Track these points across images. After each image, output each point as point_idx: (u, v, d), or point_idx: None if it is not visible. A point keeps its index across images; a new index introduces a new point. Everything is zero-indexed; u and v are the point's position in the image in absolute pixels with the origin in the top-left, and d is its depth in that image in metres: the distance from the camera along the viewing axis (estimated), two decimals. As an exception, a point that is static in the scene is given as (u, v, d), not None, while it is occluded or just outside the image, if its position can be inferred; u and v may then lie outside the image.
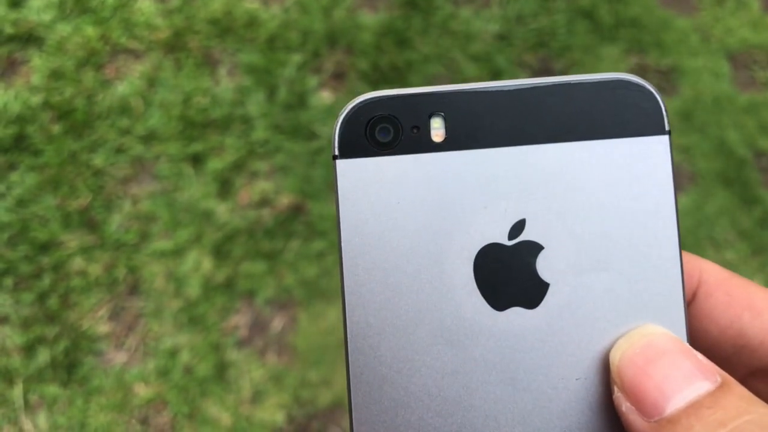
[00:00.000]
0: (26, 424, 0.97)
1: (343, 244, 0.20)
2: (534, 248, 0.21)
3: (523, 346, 0.20)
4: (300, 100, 1.25)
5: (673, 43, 1.43)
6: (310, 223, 1.13)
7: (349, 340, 0.21)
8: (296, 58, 1.29)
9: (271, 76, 1.27)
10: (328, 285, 1.09)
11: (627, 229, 0.20)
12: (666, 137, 0.21)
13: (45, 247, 1.07)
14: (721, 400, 0.16)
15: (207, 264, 1.08)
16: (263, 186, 1.16)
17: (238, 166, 1.17)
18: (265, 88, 1.25)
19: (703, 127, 1.32)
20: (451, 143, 0.21)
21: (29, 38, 1.26)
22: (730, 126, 1.33)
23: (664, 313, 0.20)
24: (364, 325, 0.20)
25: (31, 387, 0.99)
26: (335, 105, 1.25)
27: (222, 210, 1.13)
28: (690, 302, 0.20)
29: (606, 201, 0.20)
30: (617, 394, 0.18)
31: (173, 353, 1.02)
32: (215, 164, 1.16)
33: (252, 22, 1.33)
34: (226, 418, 0.99)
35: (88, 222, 1.10)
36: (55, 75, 1.22)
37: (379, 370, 0.20)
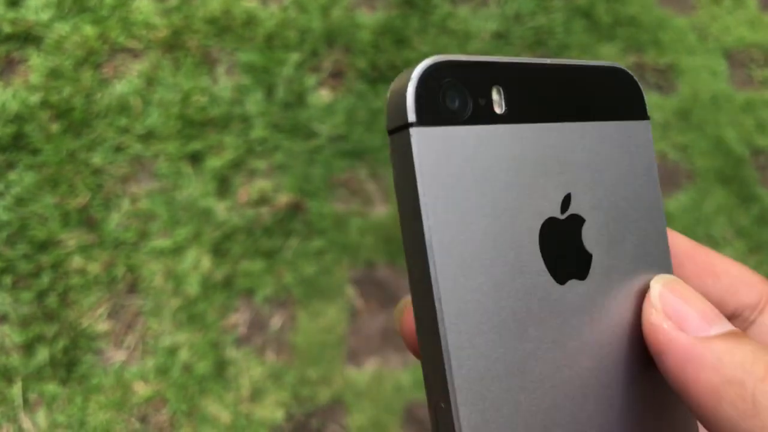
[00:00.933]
0: (25, 422, 0.97)
1: (427, 223, 0.18)
2: (578, 221, 0.21)
3: (586, 317, 0.21)
4: (299, 99, 1.25)
5: (670, 41, 1.43)
6: (309, 222, 1.13)
7: (447, 332, 0.18)
8: (295, 56, 1.29)
9: (269, 75, 1.27)
10: (327, 283, 1.09)
11: (634, 200, 0.22)
12: (649, 122, 0.23)
13: (44, 246, 1.07)
14: (744, 338, 0.18)
15: (206, 262, 1.08)
16: (262, 184, 1.16)
17: (236, 165, 1.17)
18: (263, 86, 1.25)
19: (700, 125, 1.33)
20: (509, 116, 0.20)
21: (27, 37, 1.26)
22: (728, 124, 1.33)
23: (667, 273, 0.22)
24: (461, 315, 0.18)
25: (30, 385, 0.99)
26: (334, 104, 1.25)
27: (221, 208, 1.13)
28: None
29: (618, 175, 0.22)
30: (656, 315, 0.20)
31: (172, 351, 1.02)
32: (214, 163, 1.16)
33: (250, 21, 1.33)
34: (225, 416, 0.99)
35: (87, 220, 1.10)
36: (54, 74, 1.22)
37: (480, 361, 0.19)
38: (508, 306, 0.19)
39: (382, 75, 1.29)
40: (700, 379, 0.18)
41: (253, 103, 1.23)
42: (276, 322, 1.06)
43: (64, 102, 1.20)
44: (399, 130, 0.18)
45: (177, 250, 1.09)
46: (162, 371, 1.01)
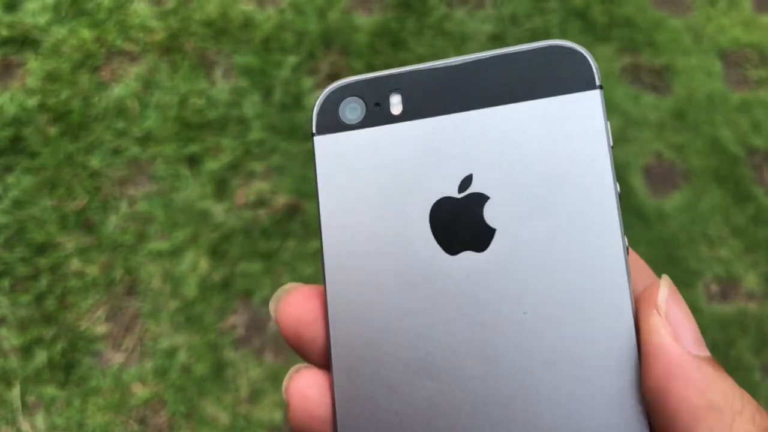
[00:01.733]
0: (24, 425, 0.97)
1: (321, 207, 0.23)
2: (481, 199, 0.23)
3: (475, 285, 0.22)
4: (295, 101, 1.25)
5: (665, 42, 1.44)
6: (306, 223, 1.13)
7: (327, 285, 0.24)
8: (291, 59, 1.30)
9: (266, 78, 1.27)
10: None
11: (566, 178, 0.22)
12: (597, 92, 0.23)
13: (42, 249, 1.07)
14: (723, 369, 0.19)
15: (204, 264, 1.09)
16: (259, 186, 1.16)
17: (234, 167, 1.17)
18: (260, 89, 1.26)
19: (696, 125, 1.33)
20: (407, 115, 0.24)
21: (25, 41, 1.26)
22: (723, 124, 1.34)
23: (604, 258, 0.21)
24: (341, 273, 0.23)
25: (28, 388, 0.99)
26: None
27: (218, 210, 1.13)
28: None
29: (545, 153, 0.22)
30: (657, 318, 0.19)
31: (171, 353, 1.02)
32: (211, 165, 1.17)
33: (247, 23, 1.33)
34: (223, 417, 0.99)
35: (84, 223, 1.10)
36: (51, 77, 1.23)
37: (352, 310, 0.23)
38: (389, 269, 0.23)
39: (378, 77, 1.30)
40: (684, 396, 0.18)
41: (251, 106, 1.23)
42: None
43: (62, 105, 1.20)
44: (312, 137, 0.24)
45: (175, 252, 1.09)
46: (160, 373, 1.01)
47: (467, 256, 0.22)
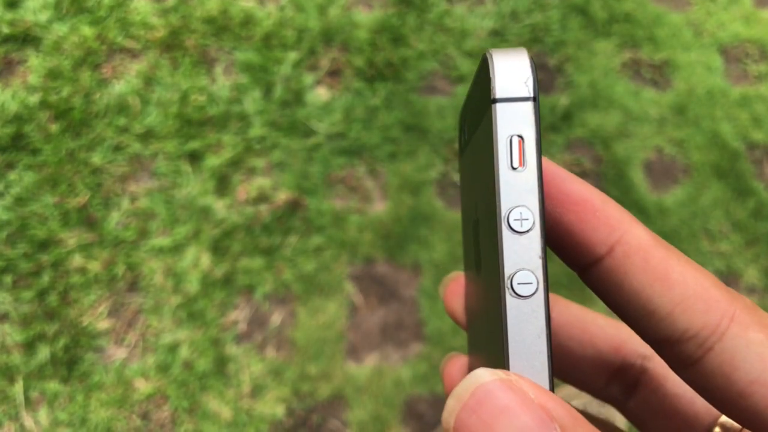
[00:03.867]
0: (27, 420, 0.97)
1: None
2: (478, 224, 0.21)
3: (481, 301, 0.21)
4: (296, 97, 1.25)
5: (666, 37, 1.44)
6: (307, 219, 1.14)
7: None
8: (292, 55, 1.30)
9: (267, 74, 1.28)
10: (326, 279, 1.10)
11: (489, 201, 0.19)
12: (494, 106, 0.18)
13: (44, 245, 1.08)
14: None
15: (205, 260, 1.09)
16: (261, 182, 1.16)
17: (235, 163, 1.18)
18: (261, 85, 1.26)
19: (696, 120, 1.33)
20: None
21: (26, 38, 1.27)
22: (724, 119, 1.34)
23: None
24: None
25: (31, 384, 0.99)
26: (332, 102, 1.26)
27: (220, 206, 1.13)
28: (604, 256, 0.18)
29: (484, 176, 0.19)
30: None
31: (173, 348, 1.03)
32: (213, 161, 1.17)
33: (248, 20, 1.33)
34: (226, 412, 0.99)
35: (86, 219, 1.11)
36: (53, 74, 1.23)
37: None
38: None
39: (379, 73, 1.30)
40: None
41: (252, 102, 1.24)
42: (276, 318, 1.07)
43: (63, 102, 1.20)
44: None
45: (177, 248, 1.09)
46: (163, 368, 1.01)
47: (477, 273, 0.22)
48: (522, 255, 0.17)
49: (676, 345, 0.18)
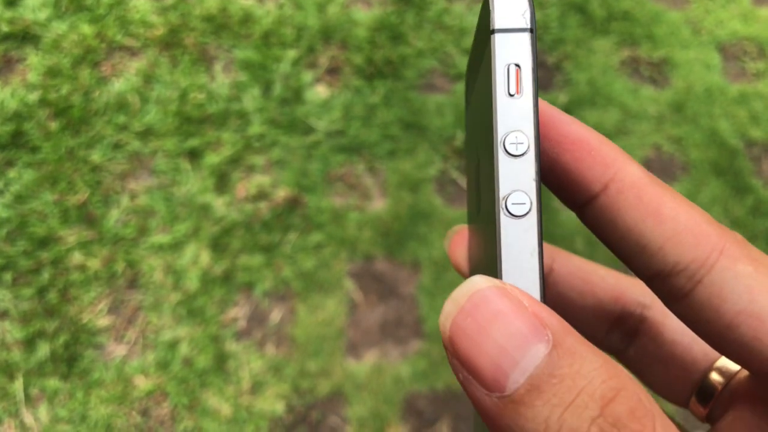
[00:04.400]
0: (27, 417, 0.97)
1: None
2: (479, 164, 0.22)
3: (480, 241, 0.22)
4: (295, 95, 1.26)
5: (664, 35, 1.45)
6: (307, 216, 1.14)
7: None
8: (291, 53, 1.30)
9: (266, 72, 1.28)
10: (325, 276, 1.10)
11: (487, 138, 0.19)
12: (493, 36, 0.19)
13: (44, 242, 1.08)
14: (557, 368, 0.15)
15: (205, 257, 1.09)
16: (260, 180, 1.16)
17: (234, 161, 1.18)
18: (260, 83, 1.26)
19: (695, 117, 1.34)
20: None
21: (25, 36, 1.27)
22: (722, 116, 1.34)
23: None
24: None
25: (31, 380, 1.00)
26: (331, 99, 1.26)
27: (219, 204, 1.14)
28: (599, 193, 0.19)
29: (483, 115, 0.20)
30: (452, 361, 0.16)
31: (173, 345, 1.03)
32: (212, 159, 1.17)
33: (247, 18, 1.34)
34: (226, 409, 0.99)
35: (86, 217, 1.11)
36: (52, 72, 1.23)
37: None
38: None
39: (378, 71, 1.30)
40: None
41: (251, 100, 1.24)
42: (275, 315, 1.07)
43: (63, 100, 1.20)
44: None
45: (176, 246, 1.10)
46: (162, 365, 1.02)
47: (478, 214, 0.23)
48: (517, 177, 0.17)
49: (667, 279, 0.18)
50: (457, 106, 1.28)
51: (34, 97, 1.20)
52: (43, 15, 1.28)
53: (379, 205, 1.17)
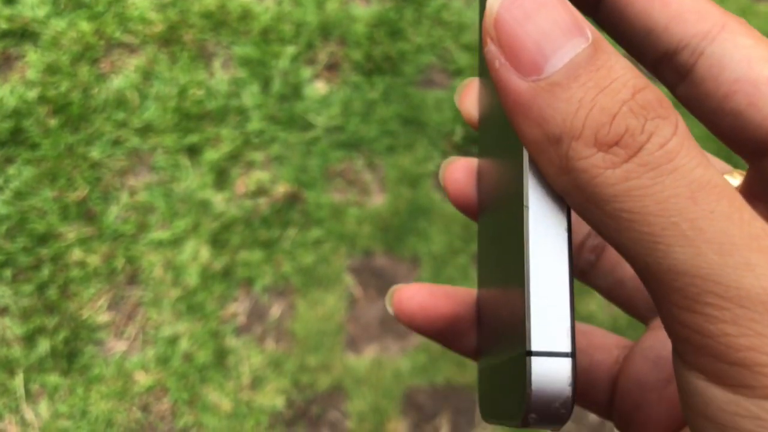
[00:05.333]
0: (27, 413, 0.98)
1: None
2: None
3: None
4: (294, 91, 1.26)
5: (663, 30, 1.45)
6: (306, 212, 1.14)
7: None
8: (290, 49, 1.30)
9: (265, 68, 1.28)
10: (325, 272, 1.10)
11: None
12: None
13: (43, 239, 1.08)
14: (596, 59, 0.15)
15: (205, 253, 1.09)
16: (259, 176, 1.17)
17: (234, 157, 1.18)
18: (259, 79, 1.26)
19: (693, 112, 1.34)
20: None
21: (24, 33, 1.27)
22: (721, 111, 1.35)
23: None
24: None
25: (31, 376, 1.00)
26: (330, 95, 1.26)
27: (219, 200, 1.14)
28: None
29: None
30: (490, 47, 0.16)
31: (173, 341, 1.03)
32: (211, 155, 1.17)
33: (245, 15, 1.34)
34: (226, 404, 0.99)
35: (86, 213, 1.11)
36: (51, 69, 1.23)
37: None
38: None
39: (377, 67, 1.30)
40: (527, 134, 0.16)
41: (250, 96, 1.24)
42: (275, 310, 1.07)
43: (62, 97, 1.20)
44: None
45: (176, 242, 1.10)
46: (162, 361, 1.02)
47: None
48: None
49: (672, 58, 0.19)
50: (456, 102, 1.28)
51: (33, 94, 1.20)
52: (41, 12, 1.28)
53: (378, 200, 1.17)
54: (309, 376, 1.03)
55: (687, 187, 0.14)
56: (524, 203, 0.16)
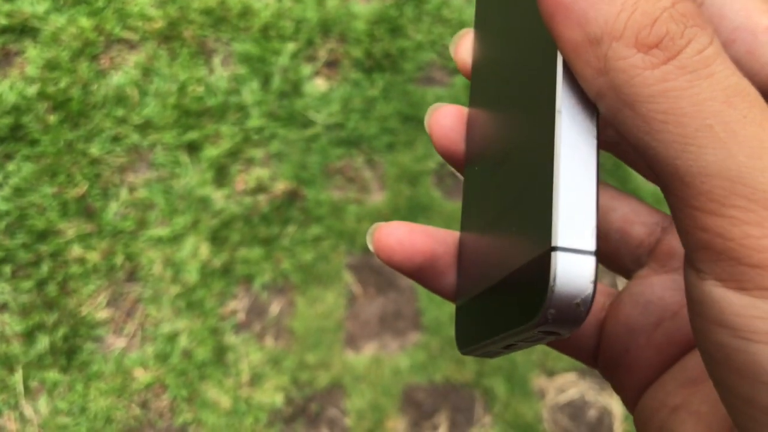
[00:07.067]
0: (27, 409, 0.98)
1: None
2: None
3: None
4: (294, 88, 1.25)
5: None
6: (305, 209, 1.14)
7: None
8: (290, 46, 1.30)
9: (265, 65, 1.28)
10: (324, 269, 1.10)
11: None
12: None
13: (43, 235, 1.08)
14: None
15: (204, 250, 1.09)
16: (259, 173, 1.16)
17: (233, 154, 1.18)
18: (259, 76, 1.26)
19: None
20: None
21: (23, 29, 1.26)
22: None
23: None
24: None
25: (31, 373, 1.00)
26: (329, 92, 1.26)
27: (218, 197, 1.14)
28: None
29: None
30: None
31: (172, 338, 1.03)
32: (211, 152, 1.17)
33: (246, 11, 1.33)
34: (225, 401, 1.00)
35: (85, 210, 1.11)
36: (50, 65, 1.23)
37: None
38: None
39: (377, 64, 1.30)
40: (565, 36, 0.16)
41: (250, 93, 1.24)
42: (274, 308, 1.07)
43: (62, 93, 1.20)
44: None
45: (175, 239, 1.10)
46: (162, 358, 1.02)
47: None
48: None
49: None
50: (456, 99, 1.28)
51: (32, 90, 1.20)
52: (41, 8, 1.28)
53: (378, 198, 1.17)
54: (308, 374, 1.03)
55: (723, 92, 0.15)
56: (556, 107, 0.17)
